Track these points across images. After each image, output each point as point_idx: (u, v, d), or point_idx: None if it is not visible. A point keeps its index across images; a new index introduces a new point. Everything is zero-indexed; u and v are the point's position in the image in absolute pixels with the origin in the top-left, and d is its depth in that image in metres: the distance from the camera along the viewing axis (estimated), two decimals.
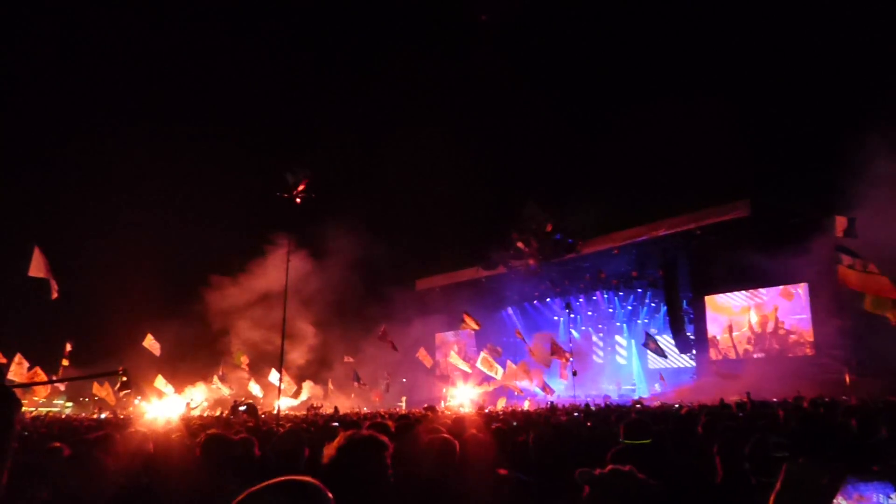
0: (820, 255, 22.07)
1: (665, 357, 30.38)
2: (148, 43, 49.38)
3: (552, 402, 21.51)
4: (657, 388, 32.76)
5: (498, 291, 41.12)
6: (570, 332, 35.37)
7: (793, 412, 9.12)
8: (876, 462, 3.96)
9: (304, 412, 24.38)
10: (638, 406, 18.73)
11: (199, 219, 42.73)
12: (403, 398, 37.34)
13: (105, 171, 41.80)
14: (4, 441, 1.53)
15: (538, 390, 30.17)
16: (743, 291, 30.30)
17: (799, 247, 23.68)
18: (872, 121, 21.10)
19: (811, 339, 27.61)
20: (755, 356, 29.56)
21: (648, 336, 29.90)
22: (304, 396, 36.90)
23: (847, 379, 22.19)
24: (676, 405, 18.13)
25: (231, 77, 56.99)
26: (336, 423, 10.75)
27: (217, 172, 42.42)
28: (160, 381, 31.83)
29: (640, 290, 37.83)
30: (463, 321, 31.10)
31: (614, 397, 29.98)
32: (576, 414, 14.29)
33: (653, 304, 37.66)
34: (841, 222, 19.34)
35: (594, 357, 40.46)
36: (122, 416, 24.18)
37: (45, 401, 34.08)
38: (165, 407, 26.41)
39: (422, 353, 34.21)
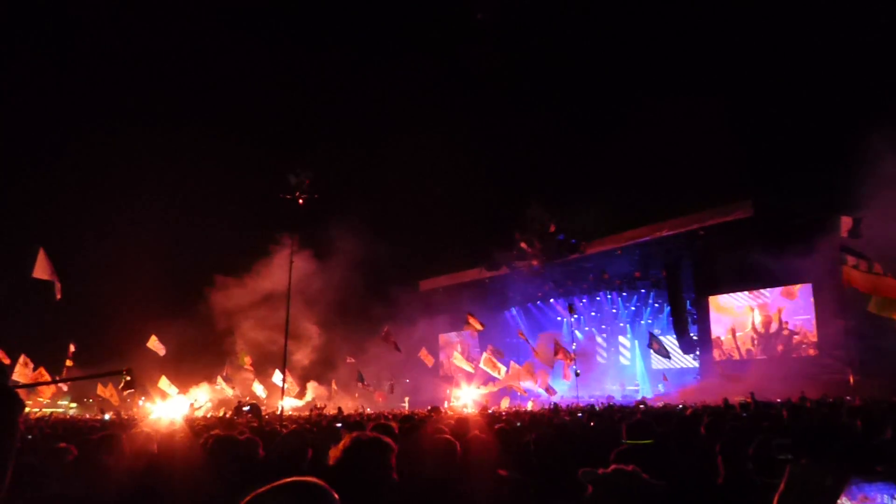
0: (824, 255, 22.00)
1: (669, 358, 30.35)
2: (152, 43, 49.49)
3: (555, 403, 21.50)
4: (661, 388, 32.72)
5: (501, 292, 41.15)
6: (574, 333, 35.34)
7: (797, 413, 9.12)
8: (880, 462, 3.95)
9: (308, 413, 24.40)
10: (642, 406, 18.70)
11: (204, 219, 42.82)
12: (406, 399, 37.34)
13: (109, 172, 41.87)
14: (8, 441, 1.54)
15: (542, 391, 30.15)
16: (746, 292, 30.25)
17: (803, 247, 23.62)
18: (877, 120, 21.02)
19: (815, 339, 27.55)
20: (759, 357, 29.51)
21: (652, 336, 29.88)
22: (308, 397, 36.93)
23: (851, 379, 22.15)
24: (680, 406, 18.12)
25: (236, 77, 57.15)
26: (339, 424, 10.78)
27: (221, 172, 42.47)
28: (164, 382, 31.89)
29: (643, 290, 37.81)
30: (467, 322, 31.11)
31: (618, 398, 29.94)
32: (579, 415, 14.27)
33: (656, 305, 37.64)
34: (846, 222, 19.28)
35: (598, 358, 40.43)
36: (125, 417, 24.23)
37: (50, 402, 34.15)
38: (169, 408, 26.45)
39: (423, 353, 34.23)
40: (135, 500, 4.10)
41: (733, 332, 30.68)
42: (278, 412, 22.89)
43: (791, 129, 32.26)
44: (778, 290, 28.78)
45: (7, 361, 25.01)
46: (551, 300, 41.49)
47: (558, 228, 33.22)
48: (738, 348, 30.48)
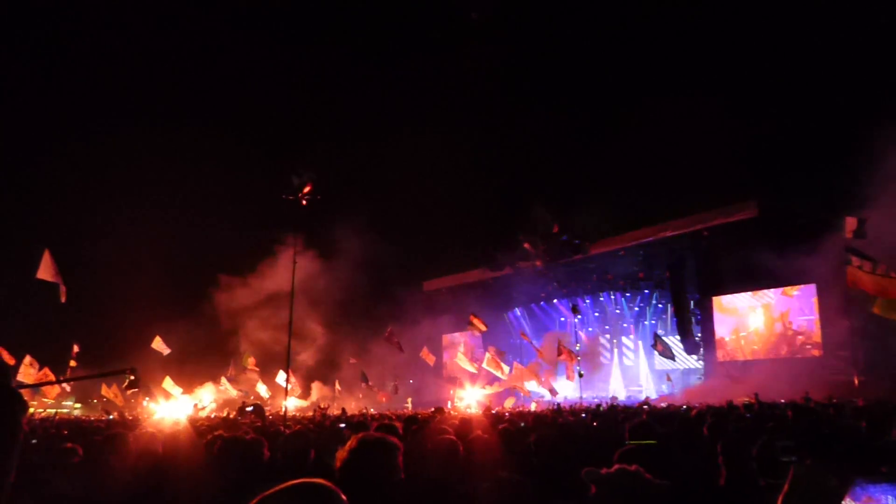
0: (828, 255, 21.93)
1: (674, 360, 30.29)
2: (156, 43, 49.62)
3: (558, 404, 21.48)
4: (664, 389, 32.67)
5: (505, 293, 41.15)
6: (578, 334, 35.34)
7: (801, 414, 9.08)
8: (885, 464, 3.94)
9: (311, 413, 24.41)
10: (646, 407, 18.66)
11: (208, 219, 42.90)
12: (409, 400, 37.35)
13: (113, 172, 42.02)
14: (12, 442, 1.54)
15: (545, 392, 30.12)
16: (750, 293, 30.17)
17: (807, 247, 23.56)
18: (882, 119, 20.91)
19: (819, 340, 27.47)
20: (762, 358, 29.43)
21: (657, 337, 29.79)
22: (313, 397, 36.96)
23: (856, 380, 22.08)
24: (684, 406, 18.07)
25: (239, 77, 57.31)
26: (343, 425, 10.77)
27: (226, 172, 42.55)
28: (168, 383, 31.93)
29: (646, 291, 37.77)
30: (470, 323, 31.08)
31: (621, 398, 29.90)
32: (583, 415, 14.25)
33: (659, 306, 37.59)
34: (850, 223, 19.17)
35: (601, 358, 40.41)
36: (129, 417, 24.26)
37: (55, 402, 34.24)
38: (173, 408, 26.48)
39: (424, 352, 34.21)
40: (140, 500, 4.11)
41: (737, 332, 30.61)
42: (282, 412, 22.90)
43: (795, 128, 32.14)
44: (782, 290, 28.74)
45: (12, 362, 25.08)
46: (555, 301, 41.49)
47: (562, 229, 33.19)
48: (741, 349, 30.42)
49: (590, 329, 41.31)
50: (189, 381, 35.50)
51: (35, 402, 31.18)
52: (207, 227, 42.42)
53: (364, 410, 26.66)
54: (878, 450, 4.76)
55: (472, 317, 31.21)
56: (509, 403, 28.66)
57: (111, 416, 26.46)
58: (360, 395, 37.97)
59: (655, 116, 31.86)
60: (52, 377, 26.81)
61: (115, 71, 49.81)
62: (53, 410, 30.55)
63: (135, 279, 34.51)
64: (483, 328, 31.61)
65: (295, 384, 33.32)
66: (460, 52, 38.19)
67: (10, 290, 32.82)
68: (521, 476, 3.79)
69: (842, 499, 2.44)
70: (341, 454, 2.87)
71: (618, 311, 39.95)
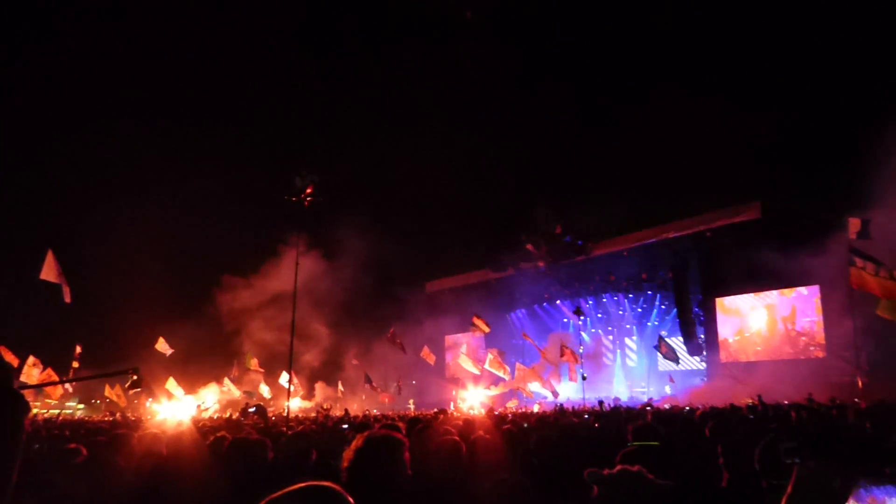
0: (832, 256, 21.90)
1: (678, 362, 30.19)
2: (158, 43, 49.71)
3: (561, 405, 21.45)
4: (668, 390, 32.60)
5: (508, 293, 41.13)
6: (581, 335, 35.33)
7: (805, 415, 9.07)
8: (889, 465, 3.93)
9: (314, 414, 24.42)
10: (649, 409, 18.63)
11: (211, 219, 43.00)
12: (411, 401, 37.32)
13: (116, 172, 42.17)
14: (14, 443, 1.54)
15: (548, 393, 30.09)
16: (753, 294, 30.10)
17: (810, 248, 23.51)
18: (886, 120, 20.91)
19: (823, 341, 27.38)
20: (766, 359, 29.35)
21: (661, 339, 29.73)
22: (316, 398, 36.96)
23: (859, 382, 21.99)
24: (687, 408, 18.04)
25: (242, 77, 57.34)
26: (346, 426, 10.77)
27: (229, 172, 42.67)
28: (171, 383, 31.95)
29: (650, 292, 37.69)
30: (473, 324, 31.06)
31: (624, 399, 29.84)
32: (586, 416, 14.24)
33: (663, 307, 37.50)
34: (854, 224, 19.16)
35: (604, 359, 40.35)
36: (132, 418, 24.30)
37: (58, 403, 34.29)
38: (176, 409, 26.51)
39: (425, 352, 34.17)
40: (143, 501, 4.12)
41: (740, 333, 30.54)
42: (285, 413, 22.92)
43: (799, 129, 32.13)
44: (784, 291, 28.68)
45: (16, 362, 25.14)
46: (558, 302, 41.44)
47: (565, 230, 33.22)
48: (744, 350, 30.35)
49: (593, 330, 41.25)
50: (192, 381, 35.49)
51: (38, 403, 31.23)
52: (210, 228, 42.59)
53: (367, 411, 26.68)
54: (882, 451, 4.74)
55: (475, 318, 31.19)
56: (512, 405, 28.62)
57: (115, 417, 26.53)
58: (364, 396, 37.96)
59: (658, 117, 31.92)
60: (55, 378, 26.85)
61: (118, 71, 49.90)
62: (57, 411, 30.60)
63: (138, 280, 34.54)
64: (486, 329, 31.59)
65: (298, 385, 33.31)
66: (466, 53, 38.27)
67: (13, 291, 32.92)
68: (523, 477, 3.79)
69: (845, 500, 2.43)
70: (348, 454, 2.86)
71: (621, 313, 39.88)
